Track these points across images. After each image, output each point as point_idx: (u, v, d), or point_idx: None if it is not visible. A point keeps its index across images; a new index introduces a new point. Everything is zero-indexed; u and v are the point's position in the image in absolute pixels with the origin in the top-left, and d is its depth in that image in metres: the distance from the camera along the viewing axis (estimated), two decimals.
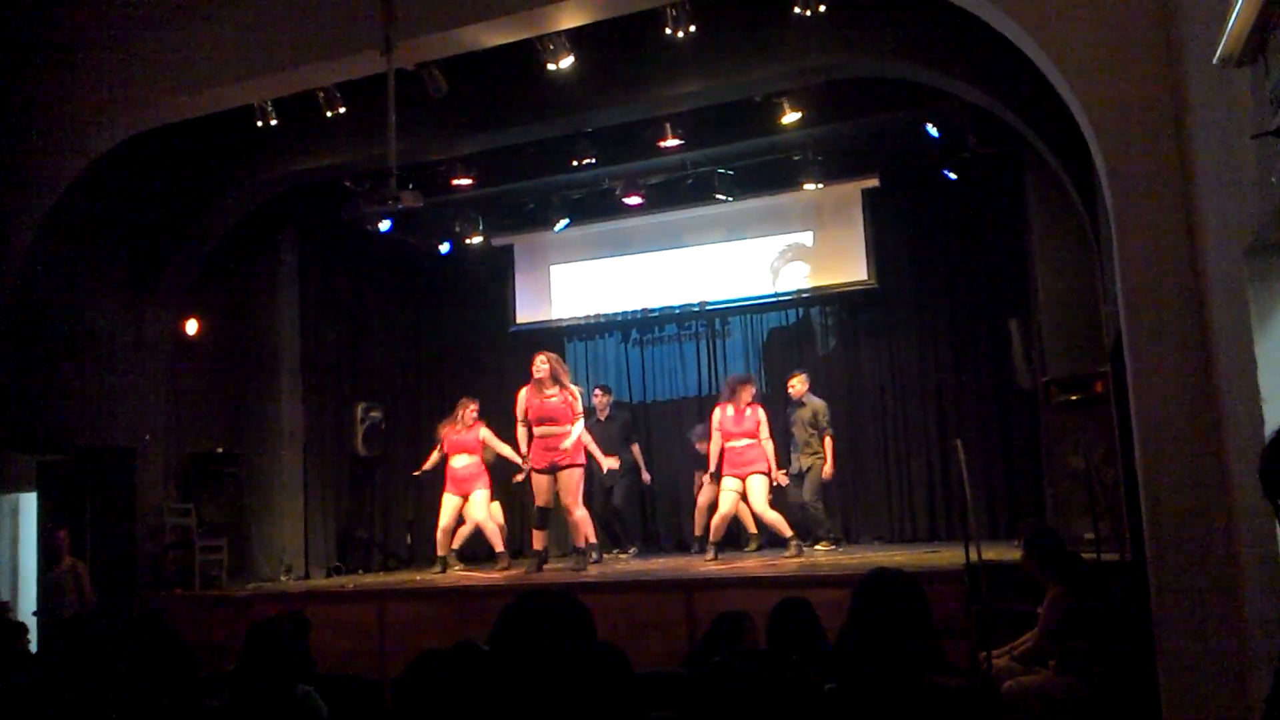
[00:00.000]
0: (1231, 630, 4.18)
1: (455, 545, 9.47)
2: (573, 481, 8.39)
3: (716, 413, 8.89)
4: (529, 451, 8.63)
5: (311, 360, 10.47)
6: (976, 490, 8.11)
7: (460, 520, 9.39)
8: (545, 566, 8.66)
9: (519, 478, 8.83)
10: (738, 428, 8.70)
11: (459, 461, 9.30)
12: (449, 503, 9.27)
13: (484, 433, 9.33)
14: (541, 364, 8.49)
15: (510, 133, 8.67)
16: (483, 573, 9.03)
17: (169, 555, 9.07)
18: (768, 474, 8.67)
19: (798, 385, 9.46)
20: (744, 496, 8.74)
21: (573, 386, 8.64)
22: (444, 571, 9.10)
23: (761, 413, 8.82)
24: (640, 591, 7.35)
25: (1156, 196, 4.66)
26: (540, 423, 8.46)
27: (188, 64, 7.27)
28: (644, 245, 11.24)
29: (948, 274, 10.32)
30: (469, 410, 9.37)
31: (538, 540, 8.67)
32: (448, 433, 9.40)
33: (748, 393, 8.80)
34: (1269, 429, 2.02)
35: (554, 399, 8.41)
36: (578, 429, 8.49)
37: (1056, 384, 7.73)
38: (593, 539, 8.85)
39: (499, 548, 9.15)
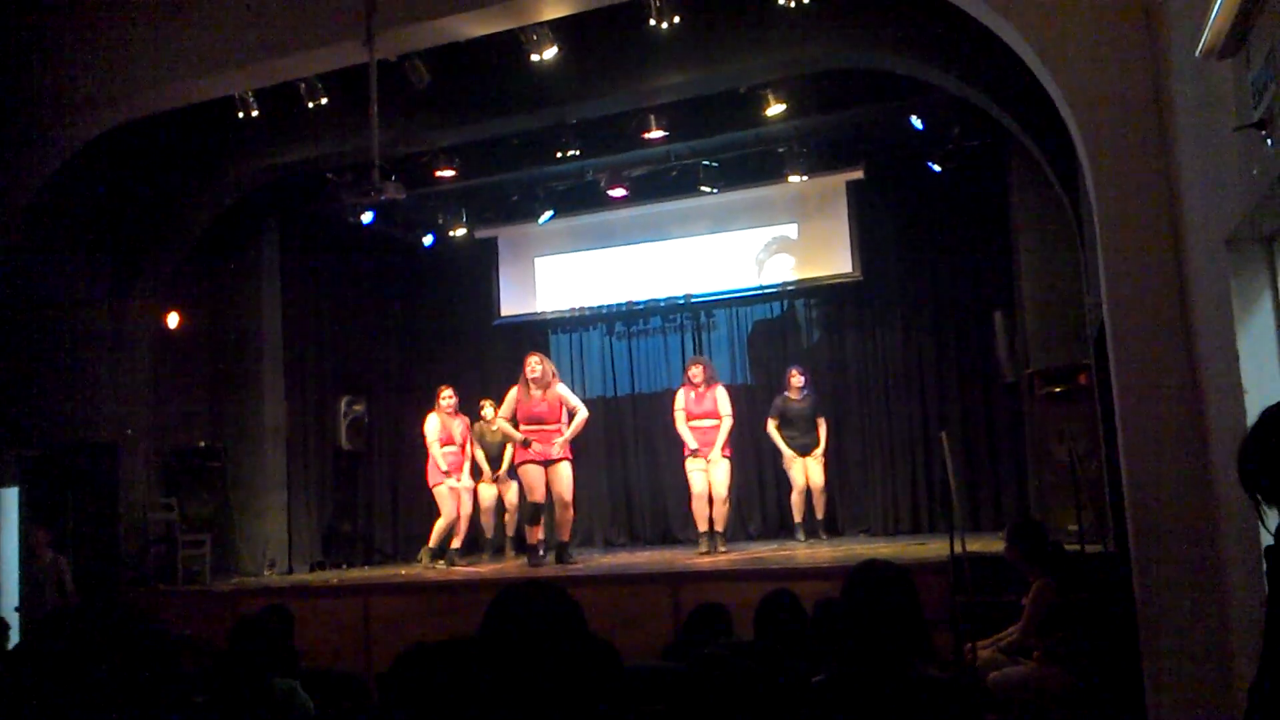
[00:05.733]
0: (1215, 620, 4.20)
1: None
2: (569, 476, 8.56)
3: (680, 395, 9.00)
4: (514, 452, 8.80)
5: (294, 353, 10.42)
6: (961, 482, 8.15)
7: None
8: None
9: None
10: (698, 408, 8.85)
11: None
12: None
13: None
14: (536, 365, 8.57)
15: (494, 124, 8.64)
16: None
17: (152, 550, 9.02)
18: (729, 457, 8.86)
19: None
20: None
21: (562, 385, 8.79)
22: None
23: (720, 392, 8.94)
24: (626, 585, 7.35)
25: (1139, 189, 4.67)
26: (529, 422, 8.56)
27: (169, 55, 7.20)
28: (628, 238, 11.21)
29: (932, 266, 10.33)
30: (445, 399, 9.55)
31: (532, 535, 8.73)
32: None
33: (694, 372, 8.94)
34: (1250, 421, 2.03)
35: (544, 401, 8.53)
36: (578, 421, 8.67)
37: (1040, 376, 7.77)
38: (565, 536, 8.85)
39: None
